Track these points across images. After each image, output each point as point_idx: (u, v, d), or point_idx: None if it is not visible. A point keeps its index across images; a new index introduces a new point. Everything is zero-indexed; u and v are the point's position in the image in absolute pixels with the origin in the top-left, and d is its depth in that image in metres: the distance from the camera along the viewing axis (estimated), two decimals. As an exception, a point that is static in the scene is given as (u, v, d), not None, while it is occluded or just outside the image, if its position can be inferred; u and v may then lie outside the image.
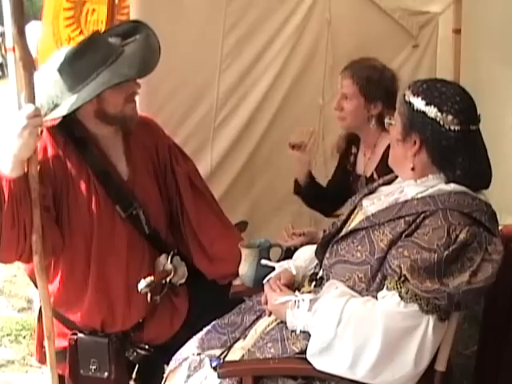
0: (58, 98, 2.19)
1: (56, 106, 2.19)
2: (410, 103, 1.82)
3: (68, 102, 2.17)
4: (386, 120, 1.97)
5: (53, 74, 2.19)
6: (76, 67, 2.16)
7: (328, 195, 2.85)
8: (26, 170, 2.04)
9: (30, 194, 2.03)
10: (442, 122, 1.77)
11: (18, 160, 2.00)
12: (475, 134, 1.82)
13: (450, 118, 1.77)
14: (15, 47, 1.94)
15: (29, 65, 1.95)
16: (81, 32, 2.91)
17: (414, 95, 1.82)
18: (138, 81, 2.28)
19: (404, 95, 1.86)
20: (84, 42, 2.23)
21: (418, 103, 1.80)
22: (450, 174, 1.83)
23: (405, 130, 1.85)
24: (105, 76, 2.16)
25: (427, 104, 1.79)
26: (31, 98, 1.98)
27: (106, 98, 2.22)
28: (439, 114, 1.77)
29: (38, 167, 2.15)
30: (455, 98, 1.79)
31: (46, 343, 2.15)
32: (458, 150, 1.80)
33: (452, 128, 1.77)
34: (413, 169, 1.86)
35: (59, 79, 2.18)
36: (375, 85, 2.57)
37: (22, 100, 2.02)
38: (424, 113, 1.79)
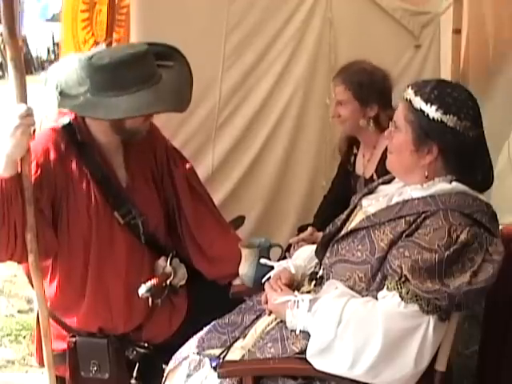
0: (72, 88, 2.17)
1: (68, 95, 2.17)
2: (422, 111, 1.77)
3: (93, 102, 2.14)
4: (388, 131, 1.91)
5: (83, 66, 2.18)
6: (116, 74, 2.13)
7: (337, 201, 2.81)
8: (19, 169, 2.04)
9: (22, 193, 2.04)
10: (461, 130, 1.76)
11: (10, 160, 2.01)
12: (483, 136, 1.83)
13: (468, 124, 1.76)
14: (6, 48, 1.94)
15: (20, 65, 1.96)
16: (92, 34, 2.91)
17: (426, 103, 1.77)
18: None
19: (411, 101, 1.80)
20: (135, 54, 2.17)
21: (435, 112, 1.76)
22: (471, 180, 1.82)
23: (419, 139, 1.80)
24: (146, 96, 2.14)
25: (445, 113, 1.75)
26: (23, 98, 1.99)
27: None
28: (459, 122, 1.75)
29: (39, 170, 2.16)
30: (467, 102, 1.79)
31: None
32: (477, 155, 1.81)
33: (470, 134, 1.77)
34: (427, 177, 1.83)
35: (85, 75, 2.16)
36: (367, 88, 2.59)
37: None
38: (442, 122, 1.76)
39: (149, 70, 2.20)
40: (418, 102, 1.79)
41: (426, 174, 1.83)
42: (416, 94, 1.80)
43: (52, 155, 2.24)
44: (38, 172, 2.17)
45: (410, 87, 1.84)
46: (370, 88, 2.59)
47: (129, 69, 2.14)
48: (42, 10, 14.37)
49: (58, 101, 2.16)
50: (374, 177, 2.59)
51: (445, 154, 1.80)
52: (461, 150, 1.79)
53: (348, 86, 2.61)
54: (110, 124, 2.24)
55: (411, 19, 3.36)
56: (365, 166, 2.74)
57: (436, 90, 1.78)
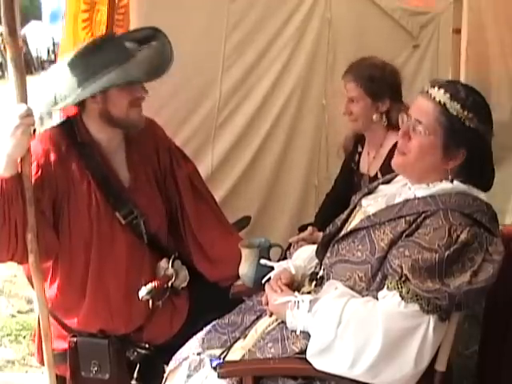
0: (65, 96, 2.19)
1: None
2: (459, 118, 1.74)
3: (75, 95, 2.18)
4: (405, 130, 1.84)
5: (64, 72, 2.20)
6: (87, 63, 2.17)
7: (339, 200, 2.80)
8: (19, 169, 2.04)
9: (22, 193, 2.04)
10: (487, 138, 1.78)
11: (11, 159, 2.01)
12: None
13: (491, 132, 1.79)
14: (6, 48, 1.95)
15: (20, 64, 1.96)
16: (92, 34, 2.92)
17: (463, 110, 1.74)
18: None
19: (445, 105, 1.75)
20: (99, 40, 2.25)
21: (471, 120, 1.74)
22: (477, 182, 1.83)
23: (450, 144, 1.77)
24: (114, 75, 2.17)
25: (480, 121, 1.75)
26: (23, 98, 1.99)
27: (111, 99, 2.23)
28: (487, 130, 1.77)
29: (40, 171, 2.17)
30: (489, 110, 1.79)
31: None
32: (489, 160, 1.83)
33: (491, 141, 1.80)
34: (441, 180, 1.82)
35: (70, 76, 2.18)
36: (379, 83, 2.58)
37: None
38: (477, 130, 1.75)
39: (116, 53, 2.23)
40: (455, 108, 1.75)
41: (450, 177, 1.81)
42: (452, 99, 1.75)
43: (53, 156, 2.24)
44: (39, 173, 2.18)
45: (441, 89, 1.77)
46: (381, 82, 2.59)
47: (95, 55, 2.18)
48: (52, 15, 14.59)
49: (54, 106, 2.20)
50: (379, 175, 2.58)
51: (469, 160, 1.79)
52: (484, 157, 1.81)
53: (359, 82, 2.60)
54: (99, 116, 2.26)
55: (410, 19, 3.37)
56: (370, 163, 2.73)
57: (470, 97, 1.77)
